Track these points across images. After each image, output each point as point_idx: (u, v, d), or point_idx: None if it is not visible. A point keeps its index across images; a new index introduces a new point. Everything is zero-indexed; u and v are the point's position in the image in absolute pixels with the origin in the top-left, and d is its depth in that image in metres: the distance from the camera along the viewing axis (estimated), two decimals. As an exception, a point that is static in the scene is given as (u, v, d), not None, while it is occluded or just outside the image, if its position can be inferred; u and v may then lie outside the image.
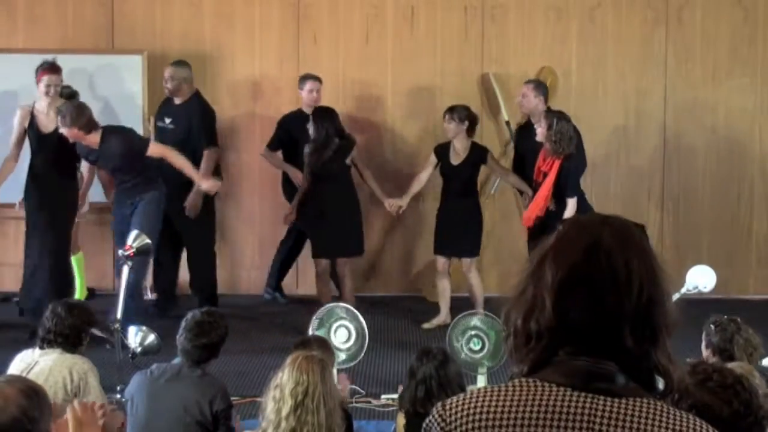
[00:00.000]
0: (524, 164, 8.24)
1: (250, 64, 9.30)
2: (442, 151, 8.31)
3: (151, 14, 9.28)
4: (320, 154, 8.03)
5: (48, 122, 7.94)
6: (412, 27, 9.35)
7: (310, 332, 6.34)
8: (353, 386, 6.59)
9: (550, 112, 7.71)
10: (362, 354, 6.62)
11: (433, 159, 8.33)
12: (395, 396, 6.29)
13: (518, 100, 8.37)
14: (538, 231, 7.43)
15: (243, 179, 9.39)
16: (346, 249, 8.25)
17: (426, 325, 8.28)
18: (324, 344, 5.30)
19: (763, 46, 9.38)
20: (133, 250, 6.77)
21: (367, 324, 8.22)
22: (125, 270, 6.68)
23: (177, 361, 4.74)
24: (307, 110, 8.47)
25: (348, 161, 8.17)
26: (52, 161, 7.97)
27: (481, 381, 6.49)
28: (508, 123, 9.16)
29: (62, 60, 8.78)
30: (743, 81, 9.38)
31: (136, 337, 6.11)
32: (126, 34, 9.24)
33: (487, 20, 9.37)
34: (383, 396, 6.49)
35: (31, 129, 7.98)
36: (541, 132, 7.59)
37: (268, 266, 9.27)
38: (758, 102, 9.42)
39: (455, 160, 8.19)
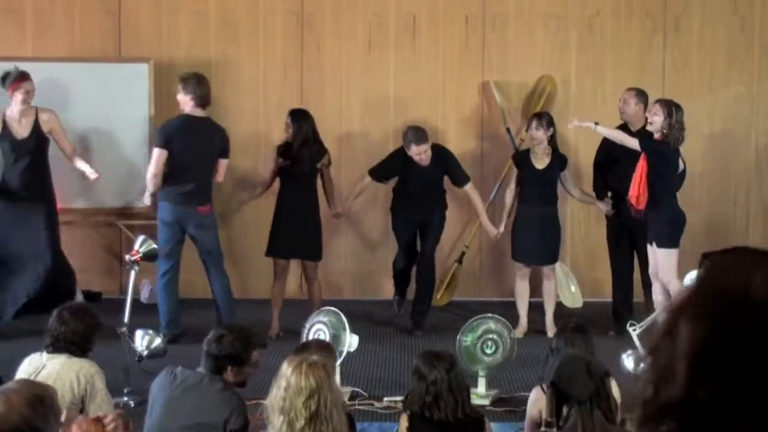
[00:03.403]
0: (615, 168, 8.28)
1: (254, 73, 9.39)
2: (522, 157, 8.37)
3: (158, 23, 9.38)
4: (302, 152, 8.11)
5: (21, 128, 8.09)
6: (413, 36, 9.44)
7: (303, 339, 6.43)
8: (356, 389, 6.68)
9: (666, 101, 7.68)
10: (344, 353, 6.61)
11: (515, 169, 8.41)
12: (398, 398, 6.39)
13: (619, 106, 8.32)
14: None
15: (247, 186, 9.47)
16: (305, 251, 8.30)
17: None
18: (325, 347, 5.35)
19: (760, 54, 9.47)
20: (140, 254, 6.85)
21: (370, 327, 8.33)
22: (132, 275, 6.76)
23: (200, 369, 4.70)
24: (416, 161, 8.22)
25: (318, 165, 8.24)
26: (27, 166, 8.06)
27: (482, 385, 6.58)
28: (508, 130, 9.25)
29: (70, 68, 8.94)
30: (740, 88, 9.47)
31: (142, 340, 6.20)
32: (133, 43, 9.34)
33: (488, 29, 9.46)
34: (386, 398, 6.55)
35: (5, 136, 8.08)
36: (658, 120, 7.55)
37: (271, 270, 9.35)
38: (754, 109, 9.50)
39: (539, 164, 8.22)
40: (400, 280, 8.80)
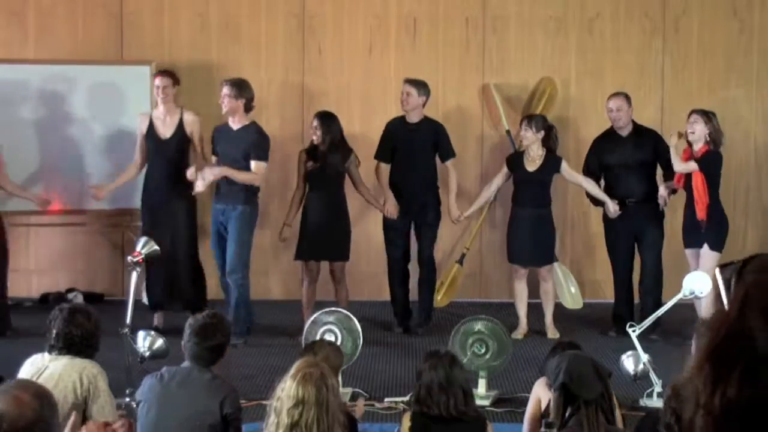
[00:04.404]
0: (609, 174, 8.36)
1: (256, 75, 9.38)
2: (515, 159, 8.42)
3: (160, 26, 9.42)
4: (337, 156, 8.20)
5: (165, 128, 8.23)
6: (414, 38, 9.49)
7: (303, 341, 6.46)
8: (357, 390, 6.71)
9: (701, 110, 7.97)
10: (356, 355, 6.69)
11: (505, 169, 8.44)
12: (398, 399, 6.43)
13: (613, 115, 8.28)
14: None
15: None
16: (333, 252, 8.35)
17: (513, 336, 8.01)
18: (332, 349, 5.39)
19: (758, 56, 9.52)
20: (142, 256, 6.87)
21: (372, 328, 8.36)
22: (134, 276, 6.78)
23: (186, 364, 4.77)
24: (408, 117, 8.46)
25: (346, 166, 8.31)
26: (169, 166, 8.19)
27: (482, 385, 6.61)
28: (509, 132, 9.29)
29: (72, 70, 8.97)
30: (738, 91, 9.52)
31: (144, 341, 6.22)
32: (135, 45, 9.38)
33: (488, 31, 9.51)
34: (387, 399, 6.58)
35: (149, 135, 8.23)
36: (699, 129, 7.85)
37: (274, 271, 9.39)
38: (753, 111, 9.56)
39: (530, 166, 8.27)
40: (400, 308, 8.67)
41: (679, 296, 7.03)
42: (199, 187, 7.92)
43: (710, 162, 7.89)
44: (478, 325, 6.69)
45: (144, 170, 8.39)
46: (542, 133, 8.24)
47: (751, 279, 1.58)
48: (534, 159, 8.27)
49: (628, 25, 9.51)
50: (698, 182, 7.89)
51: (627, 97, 8.35)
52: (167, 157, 8.19)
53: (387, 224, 8.55)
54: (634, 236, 8.35)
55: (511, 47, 9.52)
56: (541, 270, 8.41)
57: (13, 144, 8.84)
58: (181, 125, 8.24)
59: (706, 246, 7.89)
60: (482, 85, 9.51)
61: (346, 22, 9.49)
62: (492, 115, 9.49)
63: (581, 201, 9.21)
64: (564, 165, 8.31)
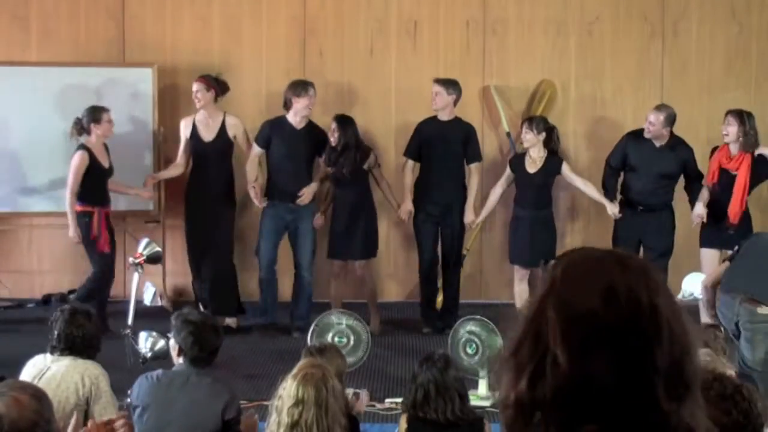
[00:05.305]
0: (630, 175, 8.34)
1: (257, 77, 9.47)
2: (517, 161, 8.47)
3: (162, 28, 9.45)
4: (349, 157, 8.31)
5: (208, 132, 8.44)
6: (414, 41, 9.52)
7: (309, 341, 6.50)
8: (358, 390, 6.75)
9: (737, 111, 7.97)
10: (364, 357, 6.76)
11: (508, 171, 8.49)
12: (399, 400, 6.45)
13: (646, 125, 8.20)
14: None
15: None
16: (355, 252, 8.50)
17: None
18: (335, 352, 5.40)
19: (757, 59, 9.55)
20: (144, 257, 6.91)
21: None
22: (135, 277, 6.82)
23: (181, 367, 4.71)
24: (439, 116, 8.60)
25: (365, 167, 8.44)
26: (211, 168, 8.39)
27: (482, 386, 6.64)
28: (509, 134, 9.31)
29: (74, 73, 9.00)
30: (737, 93, 9.52)
31: (146, 342, 6.26)
32: (137, 48, 9.41)
33: (489, 34, 9.53)
34: (387, 400, 6.63)
35: (193, 138, 8.46)
36: (732, 130, 7.86)
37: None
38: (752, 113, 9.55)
39: (531, 168, 8.30)
40: (431, 309, 8.75)
41: (678, 297, 7.04)
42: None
43: (765, 165, 7.97)
44: (471, 326, 6.73)
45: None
46: (543, 134, 8.26)
47: (558, 272, 1.49)
48: (535, 161, 8.30)
49: (627, 28, 9.53)
50: (742, 184, 7.88)
51: (668, 116, 8.19)
52: (209, 159, 8.42)
53: (417, 228, 8.68)
54: (639, 242, 8.34)
55: (511, 50, 9.54)
56: (541, 271, 8.44)
57: (19, 147, 8.89)
58: (223, 128, 8.46)
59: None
60: (482, 88, 9.53)
61: (347, 25, 9.51)
62: (492, 117, 9.52)
63: (582, 201, 9.22)
64: (564, 166, 8.34)
